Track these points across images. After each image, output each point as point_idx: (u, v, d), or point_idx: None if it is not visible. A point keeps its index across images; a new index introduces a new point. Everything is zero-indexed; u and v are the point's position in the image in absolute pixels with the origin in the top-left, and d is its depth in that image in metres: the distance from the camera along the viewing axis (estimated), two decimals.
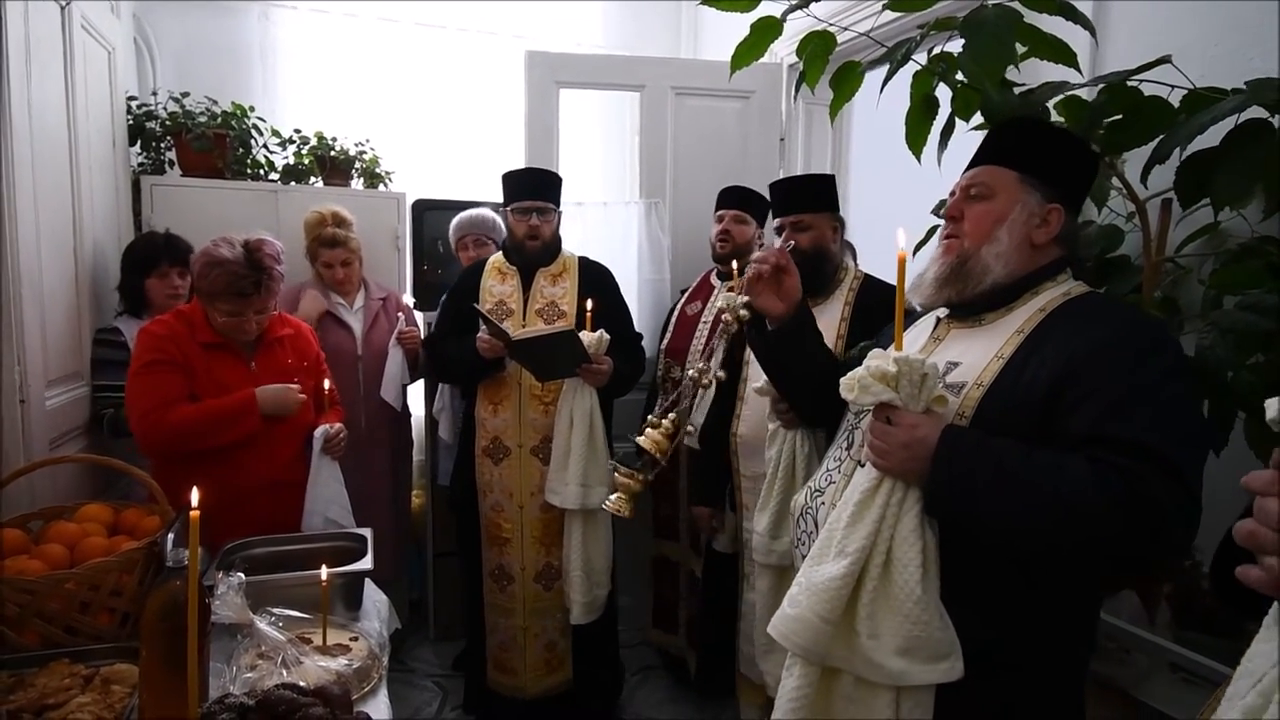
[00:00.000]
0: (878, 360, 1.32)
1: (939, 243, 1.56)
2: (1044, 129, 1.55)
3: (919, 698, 1.30)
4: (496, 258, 2.94)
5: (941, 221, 2.21)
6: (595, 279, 2.90)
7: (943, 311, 1.59)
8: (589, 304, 2.60)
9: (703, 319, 3.04)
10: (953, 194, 1.55)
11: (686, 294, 3.26)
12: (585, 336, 2.54)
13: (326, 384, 2.52)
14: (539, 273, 2.86)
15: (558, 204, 2.88)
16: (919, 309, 1.62)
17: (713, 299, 3.07)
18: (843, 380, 1.36)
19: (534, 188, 2.83)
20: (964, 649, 1.29)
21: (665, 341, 3.20)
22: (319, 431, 2.38)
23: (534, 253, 2.83)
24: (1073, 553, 1.27)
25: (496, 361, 2.71)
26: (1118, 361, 1.27)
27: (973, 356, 1.42)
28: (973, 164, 1.55)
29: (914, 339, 1.62)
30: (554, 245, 2.89)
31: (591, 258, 3.02)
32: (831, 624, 1.30)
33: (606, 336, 2.60)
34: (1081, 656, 1.45)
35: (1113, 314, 1.37)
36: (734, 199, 3.09)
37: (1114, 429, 1.22)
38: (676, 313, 3.23)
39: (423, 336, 3.52)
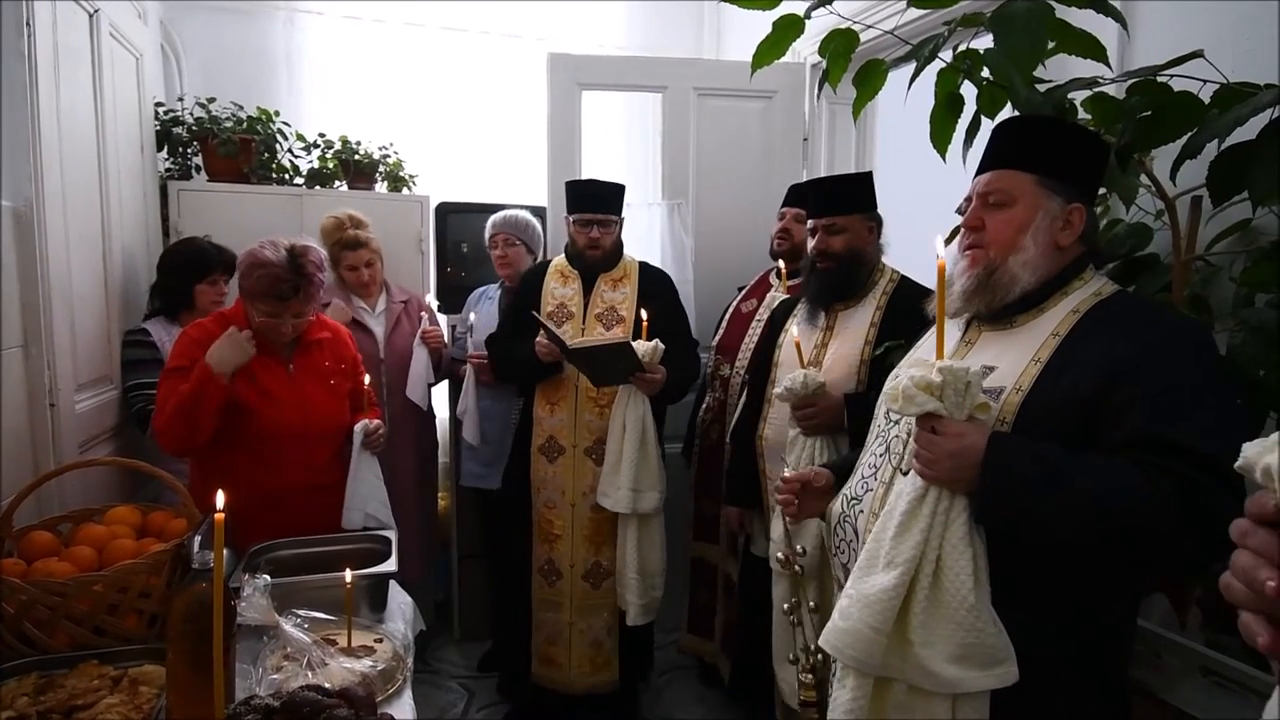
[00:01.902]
0: (921, 370, 1.31)
1: (961, 253, 1.53)
2: (1052, 126, 1.52)
3: (975, 704, 1.30)
4: (559, 260, 2.99)
5: None
6: (655, 285, 2.94)
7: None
8: (644, 314, 2.64)
9: (756, 317, 3.01)
10: (968, 200, 1.52)
11: (743, 291, 3.23)
12: (640, 346, 2.56)
13: (366, 379, 2.54)
14: (600, 277, 2.91)
15: (619, 213, 2.93)
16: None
17: (768, 298, 3.04)
18: (885, 390, 1.37)
19: (595, 200, 2.88)
20: (1019, 653, 1.29)
21: (717, 338, 3.19)
22: (359, 426, 2.40)
23: (595, 261, 2.89)
24: (1124, 555, 1.26)
25: (556, 364, 2.76)
26: (1162, 365, 1.26)
27: (1008, 361, 1.41)
28: (983, 167, 1.53)
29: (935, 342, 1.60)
30: (615, 252, 2.94)
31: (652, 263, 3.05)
32: (884, 634, 1.30)
33: (661, 346, 2.62)
34: (1123, 659, 1.44)
35: (1151, 315, 1.36)
36: (799, 197, 3.03)
37: (1160, 432, 1.22)
38: (731, 310, 3.21)
39: (446, 339, 3.54)
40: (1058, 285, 1.44)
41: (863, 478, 1.58)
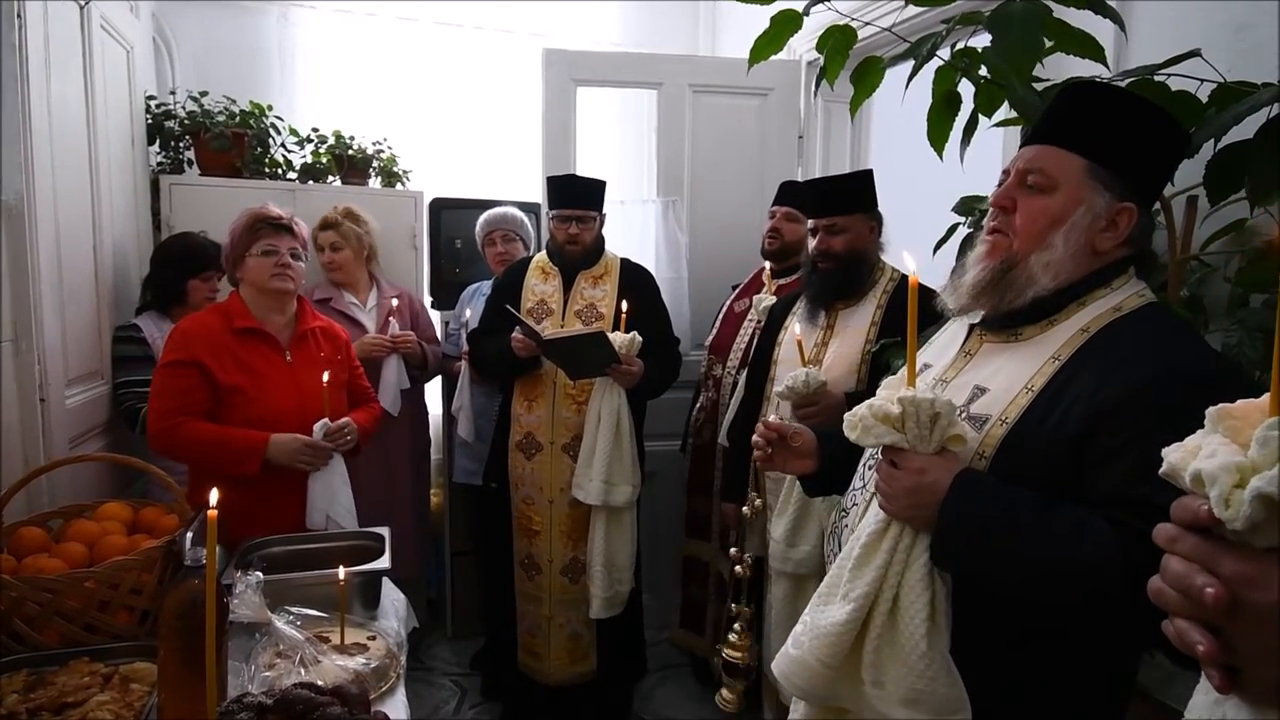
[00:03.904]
0: (884, 395, 1.19)
1: (983, 239, 1.34)
2: (1126, 102, 1.27)
3: None
4: (540, 257, 2.99)
5: (961, 219, 2.21)
6: (635, 282, 2.93)
7: (977, 316, 1.39)
8: (624, 305, 2.64)
9: (749, 316, 3.01)
10: (1005, 174, 1.32)
11: (737, 290, 3.23)
12: (617, 337, 2.56)
13: (325, 376, 2.33)
14: (580, 274, 2.90)
15: (600, 209, 2.92)
16: (951, 313, 1.42)
17: (755, 298, 3.01)
18: (845, 417, 1.22)
19: (575, 196, 2.87)
20: (980, 704, 1.17)
21: (710, 338, 3.18)
22: (319, 425, 2.27)
23: (574, 257, 2.88)
24: (1085, 624, 1.14)
25: (533, 359, 2.75)
26: (1154, 408, 1.08)
27: (1002, 383, 1.26)
28: (1033, 138, 1.31)
29: (944, 347, 1.47)
30: (596, 248, 2.93)
31: (631, 259, 3.04)
32: (833, 669, 1.20)
33: (639, 339, 2.62)
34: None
35: (1159, 343, 1.17)
36: (791, 195, 3.02)
37: (1143, 492, 1.03)
38: (724, 309, 3.21)
39: (439, 335, 3.53)
40: (1077, 294, 1.25)
41: (852, 489, 1.48)
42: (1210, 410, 0.66)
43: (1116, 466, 1.09)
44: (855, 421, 1.19)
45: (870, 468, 1.40)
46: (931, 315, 1.47)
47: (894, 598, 1.18)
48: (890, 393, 1.19)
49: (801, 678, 1.23)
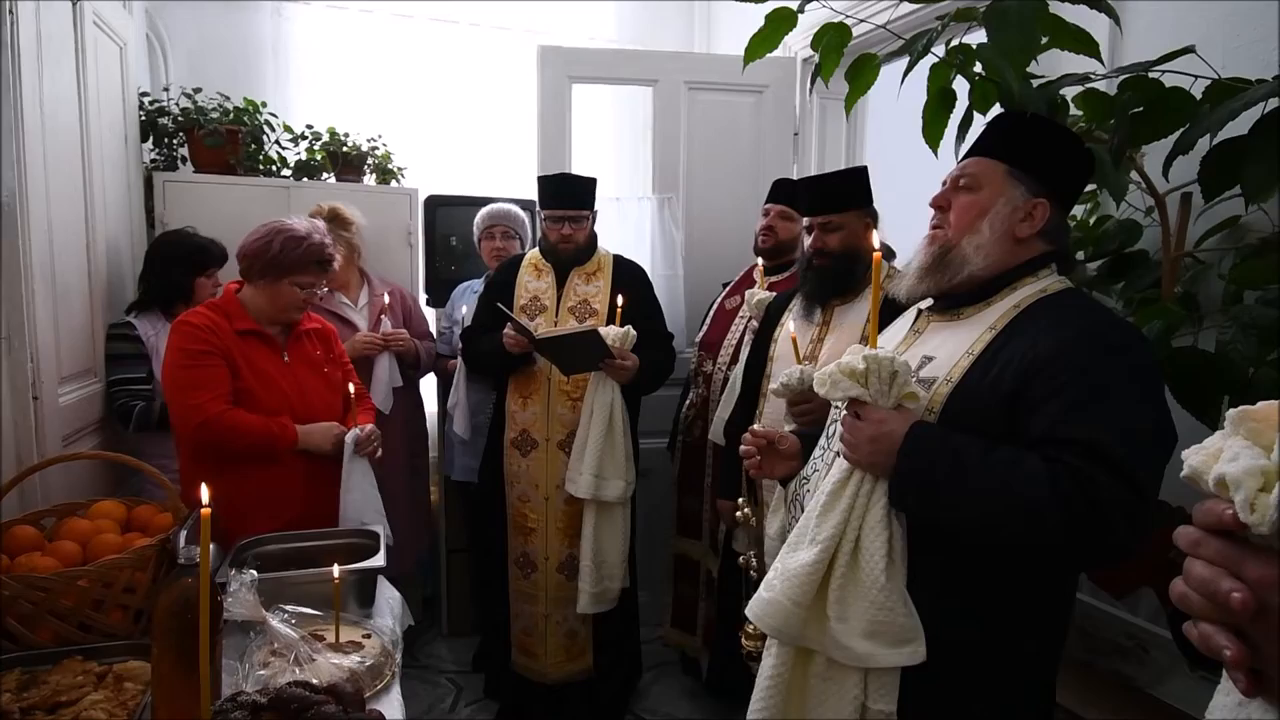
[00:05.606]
0: (850, 356, 1.35)
1: (926, 234, 1.57)
2: (1037, 123, 1.54)
3: (885, 679, 1.35)
4: (534, 254, 2.98)
5: None
6: (629, 278, 2.92)
7: (926, 303, 1.60)
8: (619, 299, 2.63)
9: (740, 313, 3.00)
10: (944, 184, 1.56)
11: (728, 287, 3.22)
12: (610, 332, 2.57)
13: (351, 387, 2.44)
14: (574, 271, 2.90)
15: (591, 207, 2.92)
16: (903, 301, 1.61)
17: (748, 294, 3.01)
18: (815, 374, 1.40)
19: (567, 195, 2.86)
20: (933, 637, 1.33)
21: (701, 334, 3.18)
22: (350, 435, 2.31)
23: (567, 255, 2.88)
24: (1022, 551, 1.32)
25: (526, 356, 2.75)
26: (1079, 362, 1.29)
27: (946, 351, 1.45)
28: (967, 155, 1.57)
29: (896, 331, 1.65)
30: (589, 245, 2.93)
31: (626, 256, 3.03)
32: (803, 608, 1.35)
33: (633, 333, 2.62)
34: (1047, 654, 1.47)
35: (1081, 314, 1.38)
36: (784, 193, 3.00)
37: (1068, 429, 1.26)
38: (715, 306, 3.21)
39: (434, 333, 3.52)
40: (1009, 280, 1.47)
41: (813, 459, 1.63)
42: (1231, 412, 0.66)
43: (1046, 411, 1.29)
44: (824, 377, 1.37)
45: (831, 436, 1.56)
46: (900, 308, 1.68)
47: (856, 539, 1.35)
48: (852, 355, 1.36)
49: (775, 617, 1.37)
